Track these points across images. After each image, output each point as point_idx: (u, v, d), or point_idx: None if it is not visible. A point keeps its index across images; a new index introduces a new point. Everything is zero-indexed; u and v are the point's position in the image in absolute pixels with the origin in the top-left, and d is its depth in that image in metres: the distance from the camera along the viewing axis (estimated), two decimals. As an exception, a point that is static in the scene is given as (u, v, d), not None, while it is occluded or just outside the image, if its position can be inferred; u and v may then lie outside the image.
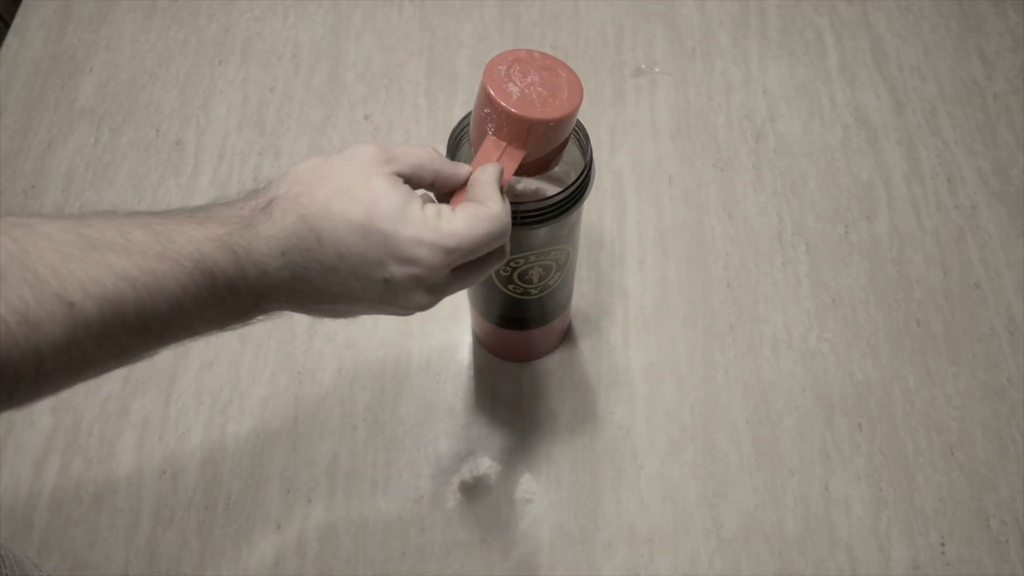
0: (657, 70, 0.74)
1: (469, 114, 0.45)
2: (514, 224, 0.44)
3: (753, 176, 0.68)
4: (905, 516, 0.55)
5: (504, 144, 0.41)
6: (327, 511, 0.55)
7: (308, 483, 0.56)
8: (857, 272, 0.64)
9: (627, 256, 0.65)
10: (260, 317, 0.39)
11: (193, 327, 0.37)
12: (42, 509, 0.55)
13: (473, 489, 0.56)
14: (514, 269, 0.49)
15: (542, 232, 0.46)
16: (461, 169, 0.41)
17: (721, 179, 0.68)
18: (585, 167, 0.44)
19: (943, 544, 0.54)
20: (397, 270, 0.37)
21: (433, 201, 0.40)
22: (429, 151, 0.40)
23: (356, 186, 0.37)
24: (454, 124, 0.46)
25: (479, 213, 0.38)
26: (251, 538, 0.54)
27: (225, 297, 0.36)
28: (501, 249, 0.41)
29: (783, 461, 0.57)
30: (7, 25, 0.80)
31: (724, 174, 0.69)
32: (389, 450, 0.57)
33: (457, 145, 0.46)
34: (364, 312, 0.40)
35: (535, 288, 0.51)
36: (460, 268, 0.39)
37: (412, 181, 0.39)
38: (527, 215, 0.44)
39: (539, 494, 0.56)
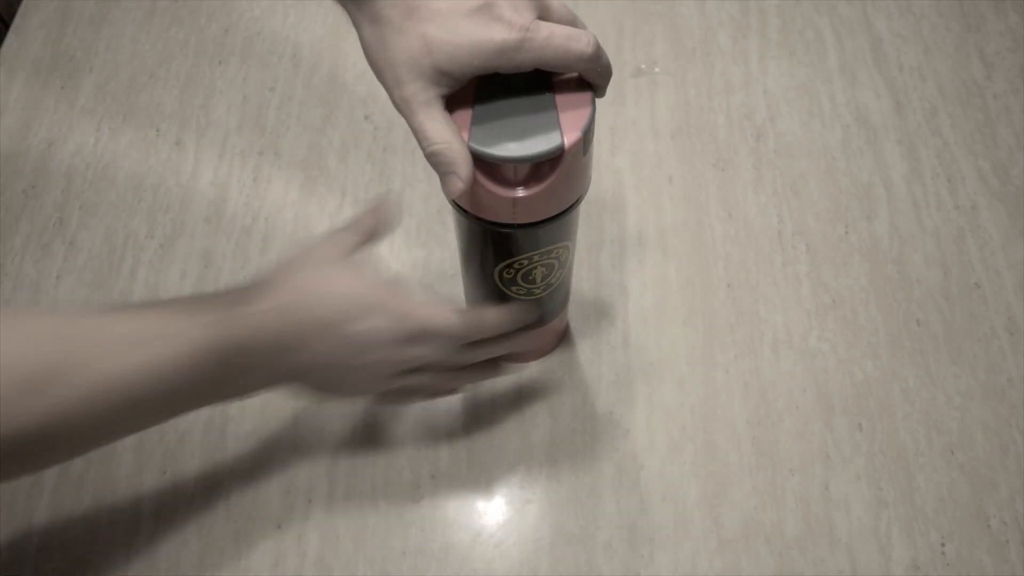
0: (657, 70, 0.74)
1: None
2: (518, 226, 0.44)
3: (753, 176, 0.68)
4: (905, 516, 0.55)
5: None
6: (327, 511, 0.55)
7: (308, 483, 0.56)
8: (857, 272, 0.64)
9: (627, 256, 0.65)
10: (258, 392, 0.46)
11: (197, 401, 0.44)
12: (42, 509, 0.55)
13: (473, 489, 0.56)
14: (518, 271, 0.49)
15: (545, 230, 0.46)
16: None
17: (721, 179, 0.68)
18: None
19: (943, 544, 0.54)
20: (356, 324, 0.44)
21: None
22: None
23: (319, 264, 0.46)
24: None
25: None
26: (251, 538, 0.54)
27: (219, 371, 0.42)
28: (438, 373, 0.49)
29: (783, 461, 0.57)
30: (7, 25, 0.80)
31: (724, 174, 0.69)
32: (389, 450, 0.57)
33: None
34: (335, 381, 0.47)
35: (539, 288, 0.51)
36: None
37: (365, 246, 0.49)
38: None
39: (539, 494, 0.56)
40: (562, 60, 0.40)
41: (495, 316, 0.49)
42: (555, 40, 0.39)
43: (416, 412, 0.59)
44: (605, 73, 0.42)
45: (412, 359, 0.47)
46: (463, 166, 0.40)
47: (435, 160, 0.40)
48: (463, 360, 0.50)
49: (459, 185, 0.40)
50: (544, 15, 0.41)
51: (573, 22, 0.43)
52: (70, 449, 0.40)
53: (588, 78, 0.42)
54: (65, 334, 0.38)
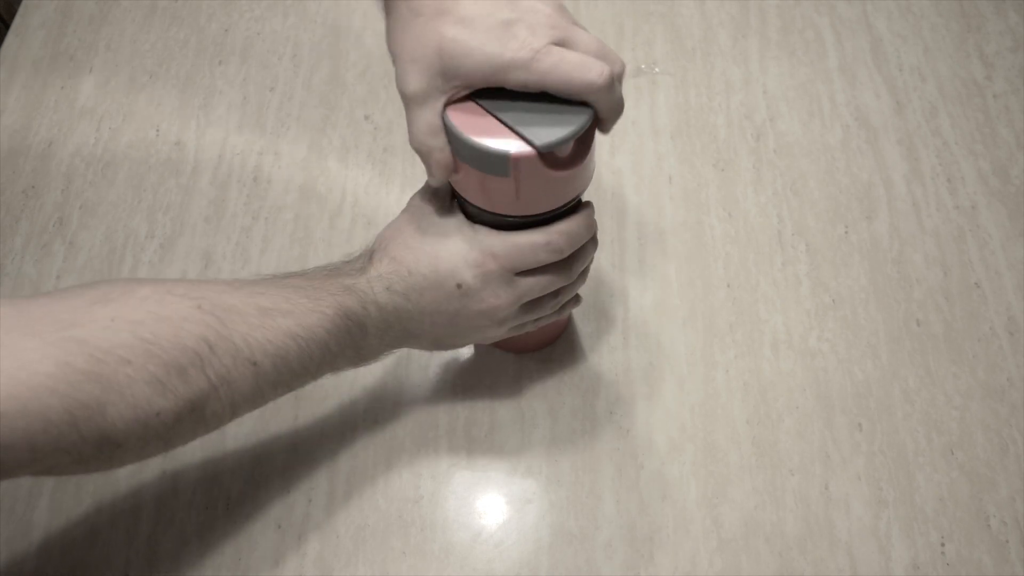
0: (657, 70, 0.74)
1: None
2: (521, 218, 0.45)
3: (753, 176, 0.68)
4: (905, 516, 0.55)
5: None
6: (327, 511, 0.55)
7: (308, 483, 0.56)
8: (857, 272, 0.64)
9: (627, 256, 0.65)
10: (384, 354, 0.50)
11: (336, 364, 0.47)
12: (42, 509, 0.55)
13: (473, 489, 0.56)
14: None
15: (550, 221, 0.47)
16: None
17: (721, 179, 0.68)
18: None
19: (943, 544, 0.54)
20: (465, 273, 0.46)
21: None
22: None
23: (423, 225, 0.47)
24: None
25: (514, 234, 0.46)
26: (251, 538, 0.54)
27: (355, 333, 0.46)
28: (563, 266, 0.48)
29: (783, 461, 0.57)
30: (7, 25, 0.80)
31: (724, 174, 0.69)
32: (389, 450, 0.57)
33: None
34: (454, 334, 0.49)
35: None
36: (522, 281, 0.47)
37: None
38: None
39: (539, 494, 0.56)
40: (567, 87, 0.40)
41: (582, 219, 0.48)
42: (562, 66, 0.40)
43: (416, 412, 0.59)
44: (616, 108, 0.42)
45: (524, 294, 0.48)
46: (438, 169, 0.43)
47: (418, 153, 0.44)
48: (570, 276, 0.49)
49: (432, 183, 0.46)
50: (568, 45, 0.41)
51: (601, 54, 0.42)
52: (232, 411, 0.43)
53: (597, 111, 0.42)
54: (216, 312, 0.41)
